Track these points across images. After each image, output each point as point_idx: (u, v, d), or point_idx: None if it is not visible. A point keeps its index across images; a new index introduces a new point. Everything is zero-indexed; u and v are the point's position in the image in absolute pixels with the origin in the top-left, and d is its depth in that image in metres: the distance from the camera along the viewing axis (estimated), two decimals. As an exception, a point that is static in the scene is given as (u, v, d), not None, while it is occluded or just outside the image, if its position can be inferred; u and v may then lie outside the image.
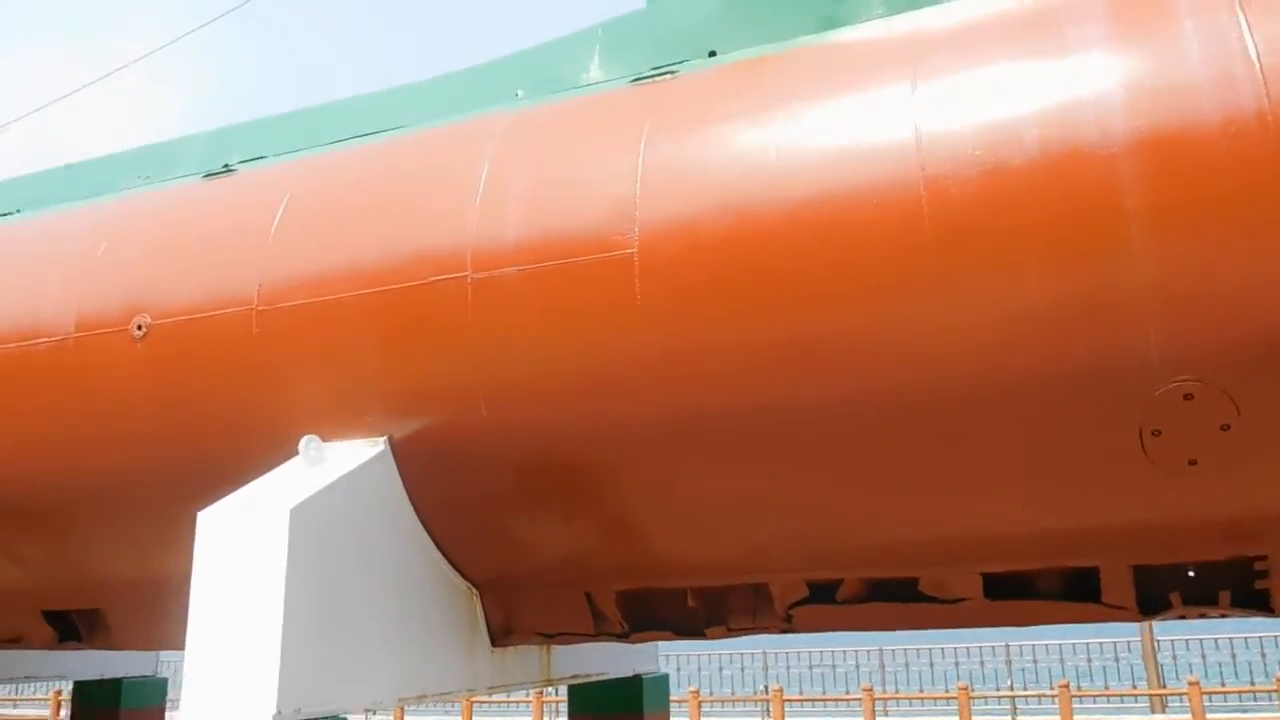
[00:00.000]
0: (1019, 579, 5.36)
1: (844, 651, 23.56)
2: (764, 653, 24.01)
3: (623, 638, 6.13)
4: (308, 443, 5.61)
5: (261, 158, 6.86)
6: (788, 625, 5.82)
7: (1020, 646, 23.60)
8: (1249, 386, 4.37)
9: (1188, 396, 4.41)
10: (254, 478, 5.57)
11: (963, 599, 5.42)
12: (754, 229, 4.96)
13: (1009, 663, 22.96)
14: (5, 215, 7.64)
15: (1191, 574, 5.09)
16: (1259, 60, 4.40)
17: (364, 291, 5.74)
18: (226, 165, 6.92)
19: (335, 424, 5.75)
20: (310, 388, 5.87)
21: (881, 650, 23.23)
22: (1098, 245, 4.45)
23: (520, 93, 6.42)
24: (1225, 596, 5.00)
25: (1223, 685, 22.73)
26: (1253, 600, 4.95)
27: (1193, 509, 4.75)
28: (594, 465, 5.48)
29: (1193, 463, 4.53)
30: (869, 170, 4.82)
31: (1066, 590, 5.30)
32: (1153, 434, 4.52)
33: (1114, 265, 4.42)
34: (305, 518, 5.11)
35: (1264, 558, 4.87)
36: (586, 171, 5.49)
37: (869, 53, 5.29)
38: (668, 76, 5.81)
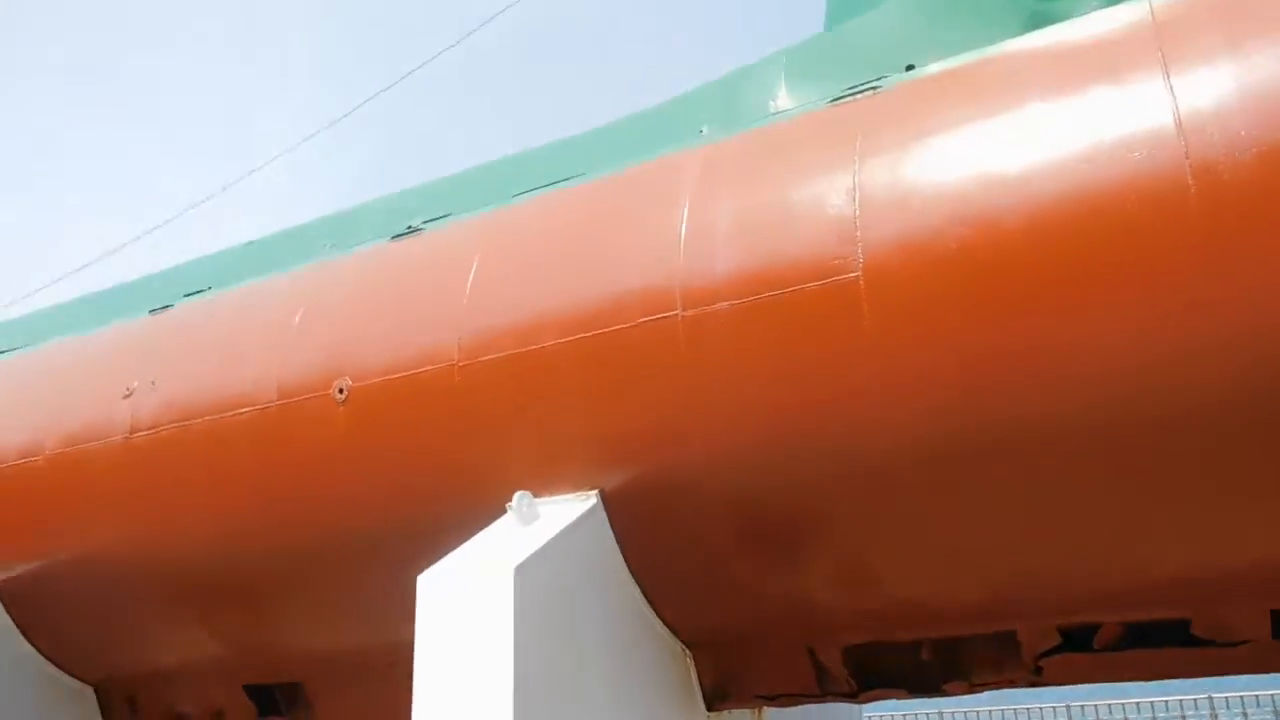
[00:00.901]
0: None
1: (1027, 709, 22.21)
2: (939, 712, 22.78)
3: (850, 697, 5.70)
4: (520, 499, 5.42)
5: (446, 216, 6.83)
6: (1037, 677, 5.31)
7: (1226, 698, 21.61)
8: None
9: None
10: (462, 538, 5.41)
11: (1245, 641, 4.86)
12: (993, 239, 4.63)
13: (1214, 716, 21.16)
14: (198, 293, 7.78)
15: None
16: None
17: (567, 339, 5.57)
18: (410, 227, 6.91)
19: (545, 478, 5.56)
20: (516, 441, 5.71)
21: (1069, 706, 21.75)
22: None
23: (705, 129, 6.24)
24: None
25: None
26: None
27: None
28: (821, 506, 5.15)
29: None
30: (1125, 162, 4.44)
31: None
32: None
33: None
34: (528, 577, 4.89)
35: None
36: (797, 195, 5.23)
37: (1106, 42, 4.92)
38: (869, 93, 5.55)
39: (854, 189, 5.04)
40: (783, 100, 6.06)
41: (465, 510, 5.64)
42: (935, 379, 4.72)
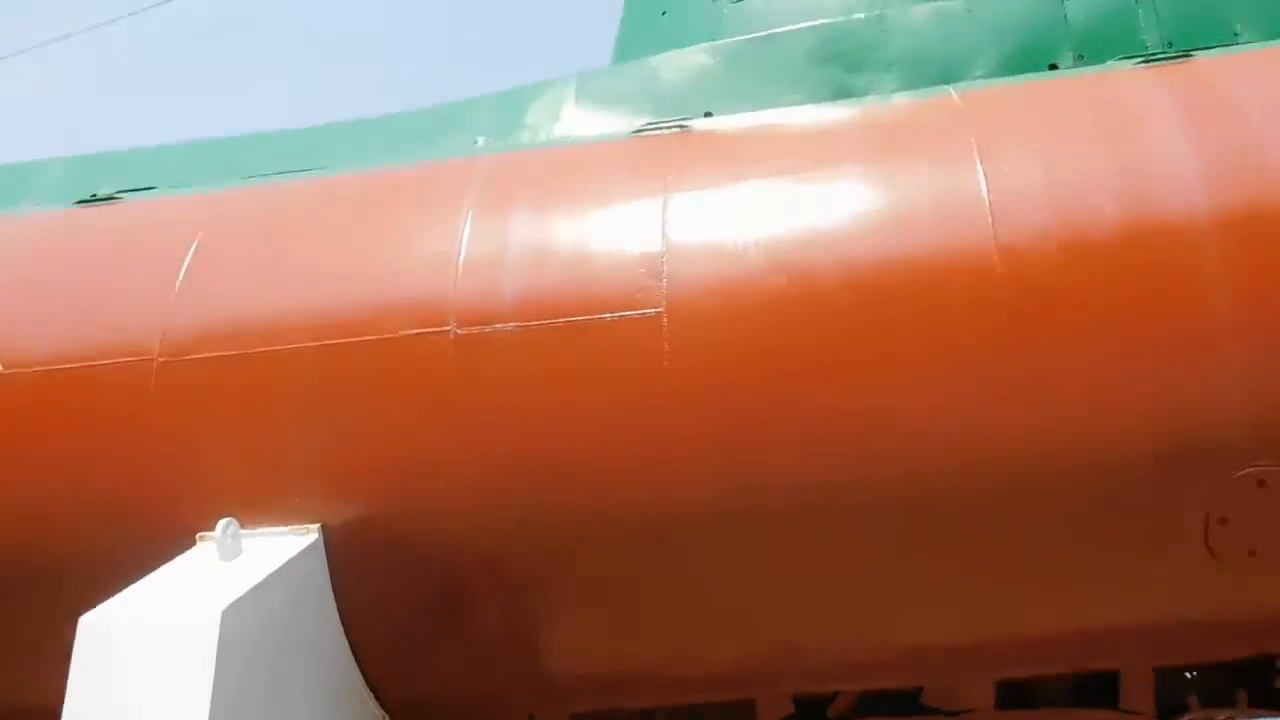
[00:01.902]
0: (1032, 686, 5.02)
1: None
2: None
3: (576, 769, 5.22)
4: (225, 528, 4.48)
5: (152, 188, 5.73)
6: None
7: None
8: None
9: (1261, 483, 4.30)
10: (142, 573, 4.38)
11: (968, 710, 5.00)
12: (809, 293, 4.53)
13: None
14: None
15: (1198, 674, 4.94)
16: None
17: (305, 345, 4.77)
18: (97, 195, 5.72)
19: (255, 506, 4.65)
20: (225, 459, 4.75)
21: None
22: (1184, 320, 4.34)
23: (480, 140, 5.75)
24: (1244, 695, 4.88)
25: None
26: (1272, 698, 4.85)
27: (1235, 604, 4.63)
28: (560, 567, 4.70)
29: (1252, 554, 4.41)
30: (938, 235, 4.53)
31: (1080, 696, 5.00)
32: (1220, 522, 4.37)
33: (1201, 342, 4.32)
34: (236, 622, 3.99)
35: None
36: (601, 221, 4.89)
37: (921, 122, 5.08)
38: (678, 131, 5.35)
39: (663, 223, 4.77)
40: (569, 124, 5.73)
41: (146, 539, 4.59)
42: (727, 435, 4.50)
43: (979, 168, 4.76)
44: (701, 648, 4.91)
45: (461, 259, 4.85)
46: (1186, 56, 5.35)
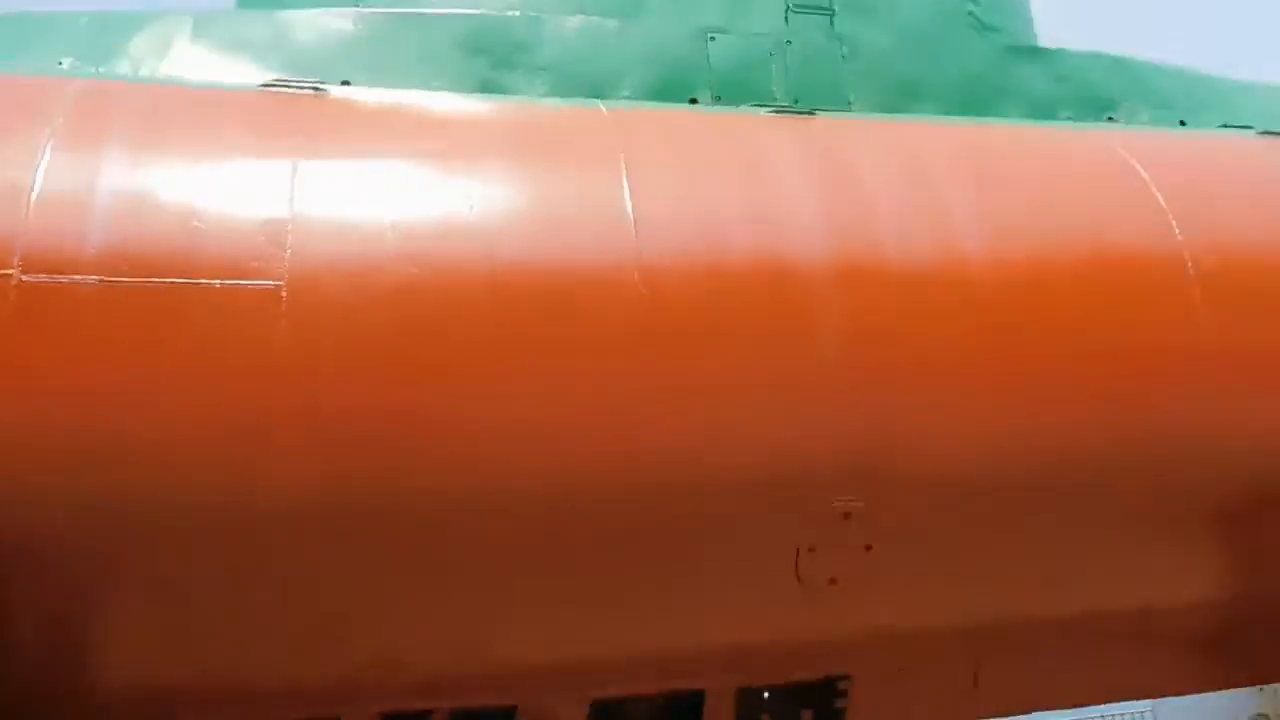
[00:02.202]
0: (622, 705, 5.07)
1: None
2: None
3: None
4: None
5: None
6: None
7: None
8: (893, 511, 4.72)
9: (846, 515, 4.62)
10: None
11: None
12: (445, 286, 4.26)
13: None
14: None
15: (772, 695, 5.23)
16: None
17: None
18: None
19: None
20: None
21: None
22: (796, 360, 4.58)
23: (67, 61, 4.87)
24: (809, 715, 5.21)
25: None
26: (833, 718, 5.22)
27: (813, 629, 4.94)
28: (123, 554, 4.07)
29: (833, 581, 4.72)
30: (584, 246, 4.48)
31: (668, 714, 5.11)
32: (809, 550, 4.64)
33: (809, 381, 4.56)
34: None
35: (848, 678, 5.17)
36: (221, 172, 4.29)
37: (571, 129, 4.98)
38: (312, 93, 4.84)
39: (291, 190, 4.29)
40: (181, 63, 5.01)
41: None
42: (332, 427, 4.12)
43: (625, 184, 4.77)
44: (281, 659, 4.44)
45: (35, 193, 4.05)
46: (810, 114, 5.74)
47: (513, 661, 4.72)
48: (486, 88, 5.29)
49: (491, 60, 5.54)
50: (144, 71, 4.97)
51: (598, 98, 5.49)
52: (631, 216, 4.61)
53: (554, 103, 5.35)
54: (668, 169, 4.93)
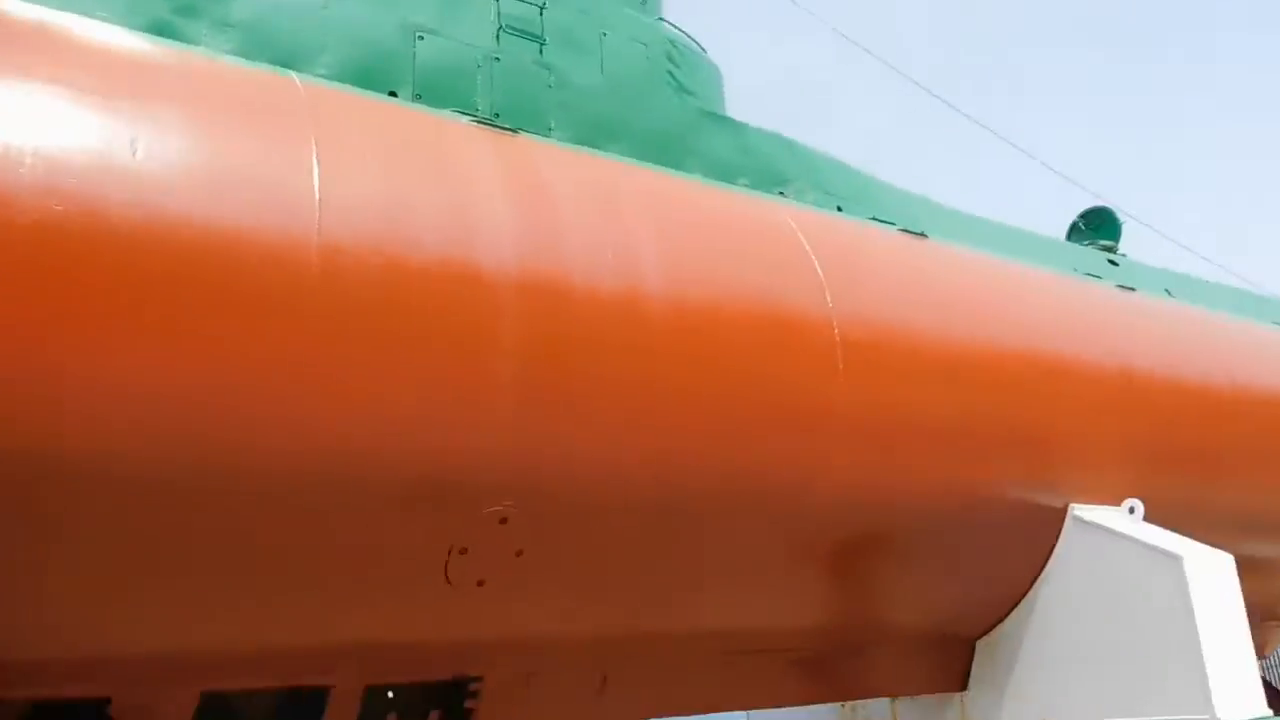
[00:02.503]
0: (235, 700, 4.76)
1: None
2: None
3: None
4: None
5: None
6: None
7: None
8: (545, 521, 4.81)
9: (503, 520, 4.66)
10: None
11: None
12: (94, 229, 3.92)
13: None
14: None
15: (398, 693, 5.13)
16: None
17: None
18: None
19: None
20: None
21: None
22: (469, 368, 4.58)
23: None
24: (437, 715, 5.17)
25: None
26: (461, 718, 5.19)
27: (453, 629, 4.92)
28: None
29: (481, 584, 4.74)
30: (259, 213, 4.26)
31: (285, 711, 4.87)
32: (460, 552, 4.63)
33: (480, 390, 4.58)
34: None
35: (480, 679, 5.19)
36: None
37: (265, 96, 4.74)
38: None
39: None
40: None
41: None
42: None
43: (315, 161, 4.61)
44: None
45: None
46: (514, 132, 5.84)
47: (106, 648, 4.34)
48: (160, 30, 4.90)
49: (173, 3, 5.18)
50: None
51: (289, 69, 5.29)
52: (317, 194, 4.46)
53: (240, 62, 5.07)
54: (362, 155, 4.82)
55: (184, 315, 4.07)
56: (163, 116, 4.37)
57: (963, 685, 7.64)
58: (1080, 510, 7.44)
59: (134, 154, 4.16)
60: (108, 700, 4.46)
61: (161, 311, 4.01)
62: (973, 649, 7.65)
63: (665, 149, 6.93)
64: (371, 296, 4.43)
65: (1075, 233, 12.12)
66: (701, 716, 6.96)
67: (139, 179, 4.10)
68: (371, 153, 4.91)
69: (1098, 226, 12.17)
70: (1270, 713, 6.61)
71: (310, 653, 4.68)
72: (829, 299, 6.46)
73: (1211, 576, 6.84)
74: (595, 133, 6.54)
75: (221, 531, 4.23)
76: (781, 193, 7.57)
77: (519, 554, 4.77)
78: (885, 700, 8.42)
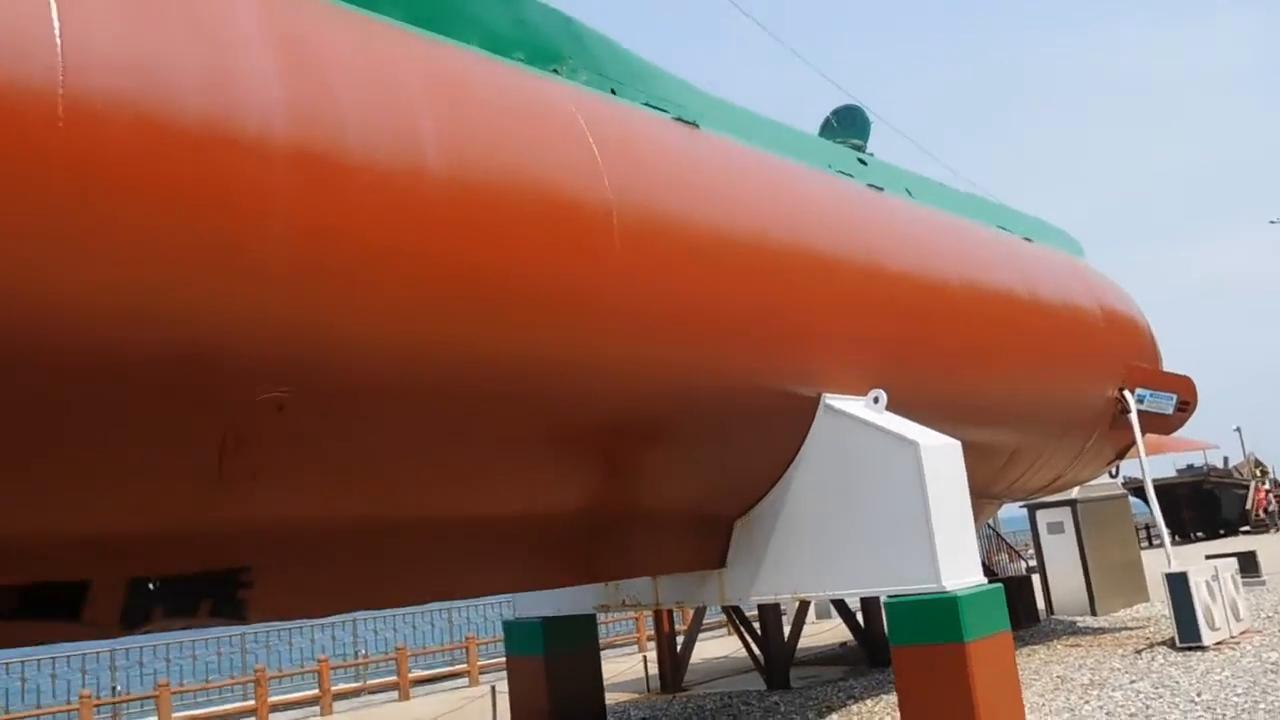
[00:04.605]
0: None
1: None
2: None
3: None
4: None
5: None
6: None
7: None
8: (321, 406, 4.54)
9: (280, 408, 4.36)
10: None
11: None
12: None
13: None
14: None
15: (163, 585, 4.82)
16: None
17: None
18: None
19: None
20: None
21: None
22: (237, 237, 4.21)
23: None
24: (207, 606, 4.90)
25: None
26: (233, 609, 4.96)
27: (223, 520, 4.62)
28: None
29: (254, 476, 4.46)
30: None
31: (34, 606, 4.46)
32: (236, 441, 4.31)
33: (248, 264, 4.22)
34: None
35: (248, 569, 4.95)
36: None
37: None
38: None
39: None
40: None
41: None
42: None
43: (54, 8, 3.98)
44: None
45: None
46: None
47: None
48: None
49: None
50: None
51: None
52: (59, 45, 3.87)
53: None
54: (110, 4, 4.21)
55: None
56: None
57: (721, 563, 8.02)
58: (831, 399, 7.89)
59: None
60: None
61: None
62: (731, 529, 8.03)
63: (434, 15, 6.51)
64: (126, 159, 3.93)
65: (828, 129, 12.58)
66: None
67: None
68: (120, 3, 4.29)
69: (849, 124, 12.70)
70: (986, 581, 7.36)
71: (68, 545, 4.27)
72: (607, 185, 6.37)
73: (942, 461, 7.46)
74: (362, -9, 6.04)
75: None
76: (556, 70, 7.34)
77: (293, 441, 4.49)
78: (647, 579, 8.80)
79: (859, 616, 13.03)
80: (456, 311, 5.25)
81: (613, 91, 7.82)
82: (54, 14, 3.97)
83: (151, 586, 4.76)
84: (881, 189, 10.26)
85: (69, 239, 3.78)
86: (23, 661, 15.40)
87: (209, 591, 4.90)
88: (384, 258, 4.86)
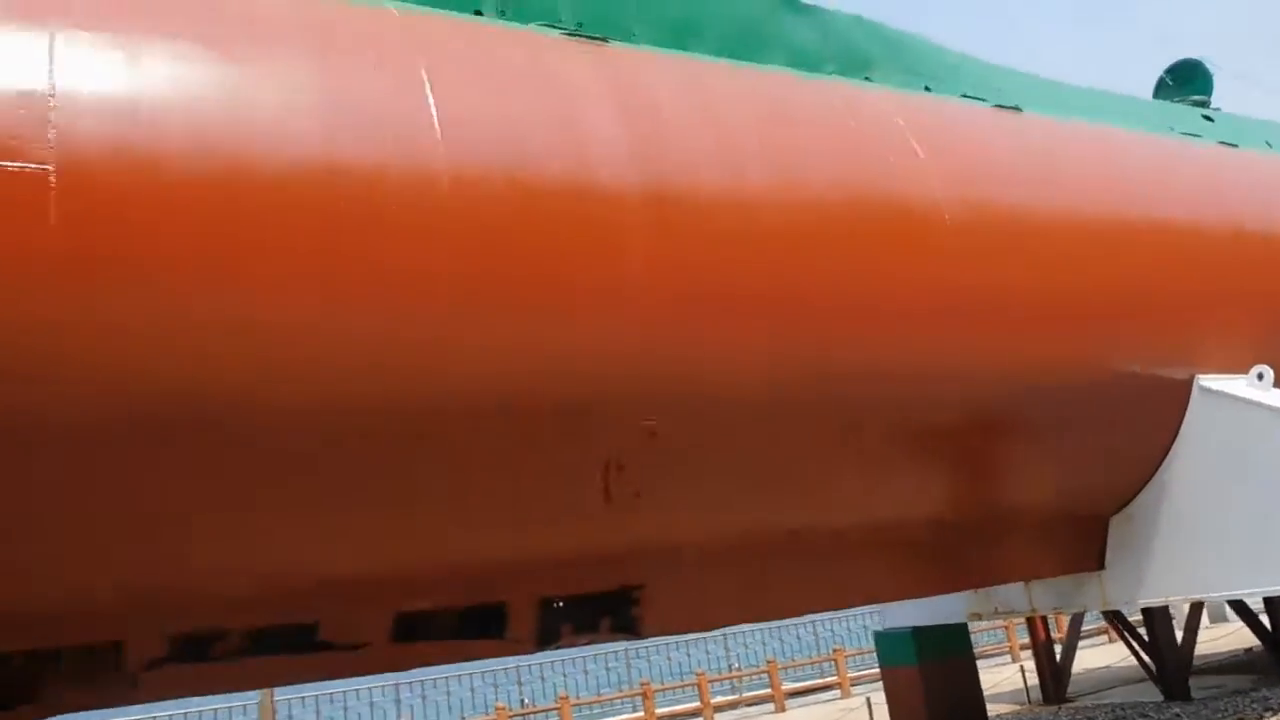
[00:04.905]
0: (426, 618, 4.95)
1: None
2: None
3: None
4: None
5: None
6: (134, 691, 4.42)
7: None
8: (692, 429, 4.82)
9: (652, 434, 4.67)
10: None
11: (365, 644, 4.80)
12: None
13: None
14: None
15: (566, 604, 5.26)
16: None
17: None
18: None
19: None
20: None
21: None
22: (605, 282, 4.56)
23: None
24: (607, 622, 5.31)
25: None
26: (628, 625, 5.36)
27: (614, 541, 5.00)
28: None
29: (637, 495, 4.79)
30: (387, 147, 4.24)
31: (470, 627, 5.04)
32: (618, 468, 4.67)
33: (617, 305, 4.57)
34: None
35: (641, 587, 5.32)
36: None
37: (370, 28, 4.70)
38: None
39: (50, 60, 3.75)
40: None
41: None
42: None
43: (428, 90, 4.53)
44: (52, 580, 4.06)
45: None
46: (604, 40, 5.68)
47: (314, 577, 4.54)
48: None
49: None
50: None
51: None
52: (437, 124, 4.40)
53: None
54: (471, 79, 4.75)
55: (332, 257, 4.10)
56: (281, 55, 4.39)
57: (1099, 564, 7.59)
58: (1206, 380, 7.27)
59: (265, 100, 4.18)
60: (316, 623, 4.70)
61: (312, 256, 4.04)
62: (1106, 527, 7.58)
63: (744, 43, 6.73)
64: (503, 218, 4.40)
65: (1164, 90, 11.63)
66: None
67: (271, 128, 4.11)
68: (479, 76, 4.84)
69: (1187, 80, 11.68)
70: None
71: (487, 570, 4.84)
72: (933, 183, 6.29)
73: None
74: (675, 34, 6.36)
75: (416, 464, 4.37)
76: (868, 77, 7.34)
77: (670, 464, 4.81)
78: (1019, 585, 8.46)
79: (1264, 619, 11.73)
80: (809, 329, 5.39)
81: (927, 89, 7.71)
82: (429, 97, 4.52)
83: (557, 606, 5.25)
84: (1236, 145, 9.38)
85: (469, 303, 4.29)
86: (446, 678, 17.19)
87: (607, 609, 5.29)
88: (732, 283, 5.09)
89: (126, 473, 3.88)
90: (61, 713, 4.31)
